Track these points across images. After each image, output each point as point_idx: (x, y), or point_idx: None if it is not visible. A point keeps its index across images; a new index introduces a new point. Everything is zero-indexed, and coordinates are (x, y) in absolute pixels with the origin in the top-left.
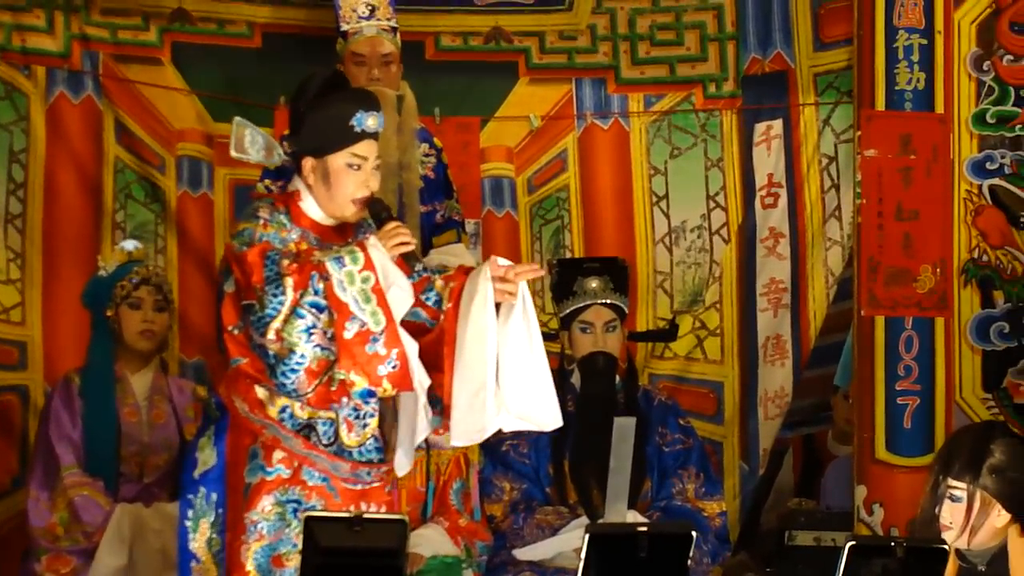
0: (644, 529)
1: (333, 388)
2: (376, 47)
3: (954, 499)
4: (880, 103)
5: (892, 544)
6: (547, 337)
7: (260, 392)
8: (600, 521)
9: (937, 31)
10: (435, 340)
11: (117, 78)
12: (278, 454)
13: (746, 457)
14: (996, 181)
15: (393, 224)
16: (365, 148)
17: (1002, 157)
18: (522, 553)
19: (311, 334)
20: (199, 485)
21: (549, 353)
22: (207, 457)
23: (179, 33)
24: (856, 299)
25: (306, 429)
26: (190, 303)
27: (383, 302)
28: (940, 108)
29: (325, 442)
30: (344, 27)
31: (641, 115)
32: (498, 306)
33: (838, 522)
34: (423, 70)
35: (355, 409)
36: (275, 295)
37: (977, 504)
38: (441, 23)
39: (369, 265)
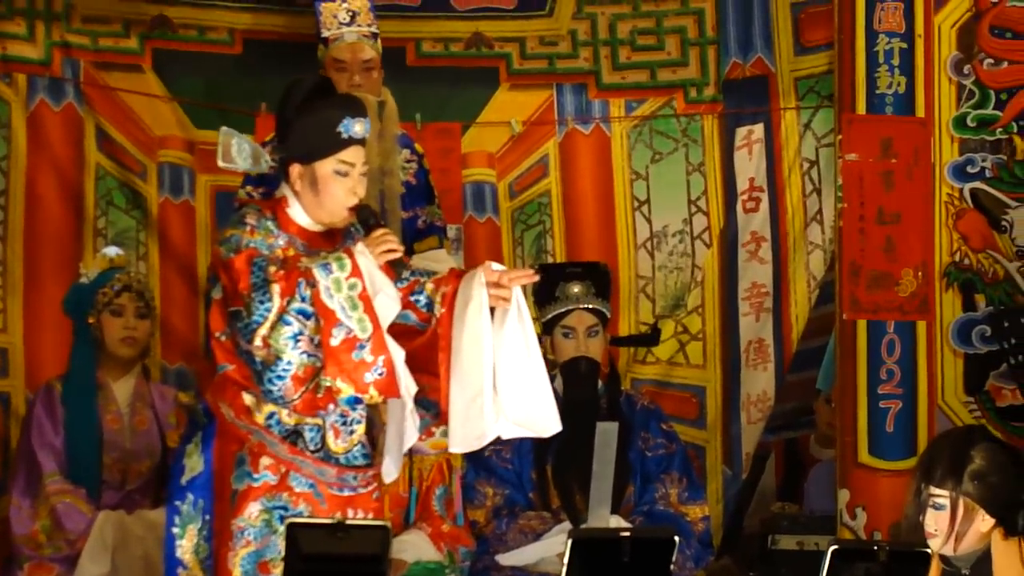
0: (627, 534)
1: (320, 395)
2: (357, 53)
3: (937, 507)
4: (861, 107)
5: (875, 548)
6: None
7: (247, 398)
8: (583, 526)
9: (917, 35)
10: (427, 344)
11: (98, 85)
12: (265, 460)
13: (729, 461)
14: (977, 184)
15: (381, 231)
16: (352, 154)
17: (983, 160)
18: (505, 558)
19: (298, 341)
20: (186, 492)
21: None
22: (194, 464)
23: (160, 40)
24: (838, 303)
25: (293, 435)
26: (172, 310)
27: (370, 309)
28: (921, 112)
29: (312, 448)
30: (325, 33)
31: (622, 120)
32: (492, 311)
33: (821, 526)
34: (404, 76)
35: (342, 416)
36: (262, 302)
37: (961, 511)
38: (422, 29)
39: (356, 272)
